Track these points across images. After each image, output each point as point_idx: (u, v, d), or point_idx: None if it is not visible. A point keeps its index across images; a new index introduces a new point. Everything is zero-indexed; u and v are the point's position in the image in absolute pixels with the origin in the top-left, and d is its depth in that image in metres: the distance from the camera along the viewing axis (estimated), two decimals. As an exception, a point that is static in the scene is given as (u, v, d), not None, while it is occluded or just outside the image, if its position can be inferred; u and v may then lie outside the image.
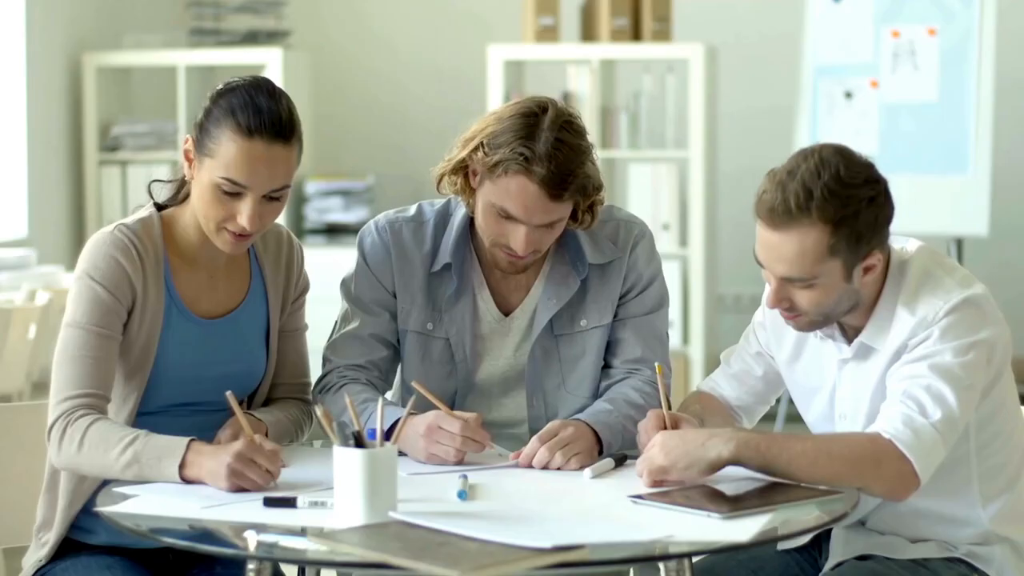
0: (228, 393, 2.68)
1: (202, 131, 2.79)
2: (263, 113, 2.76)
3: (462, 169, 2.98)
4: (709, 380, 3.07)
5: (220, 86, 2.82)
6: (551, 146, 2.89)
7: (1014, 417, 2.84)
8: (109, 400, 2.80)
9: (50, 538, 2.85)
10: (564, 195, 2.92)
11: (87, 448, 2.72)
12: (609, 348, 3.11)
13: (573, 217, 3.00)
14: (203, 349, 2.87)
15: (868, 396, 2.79)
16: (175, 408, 2.86)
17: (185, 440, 2.69)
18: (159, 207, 2.91)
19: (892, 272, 2.78)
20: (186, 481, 2.66)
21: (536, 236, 2.96)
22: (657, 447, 2.64)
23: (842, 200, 2.66)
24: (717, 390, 3.04)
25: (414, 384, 2.82)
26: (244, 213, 2.77)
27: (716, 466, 2.62)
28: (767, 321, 2.97)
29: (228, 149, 2.75)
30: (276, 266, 2.98)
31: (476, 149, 2.93)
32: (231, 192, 2.76)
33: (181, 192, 2.91)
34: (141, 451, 2.68)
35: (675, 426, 2.77)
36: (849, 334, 2.83)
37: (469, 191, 3.00)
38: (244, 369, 2.93)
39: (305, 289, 3.05)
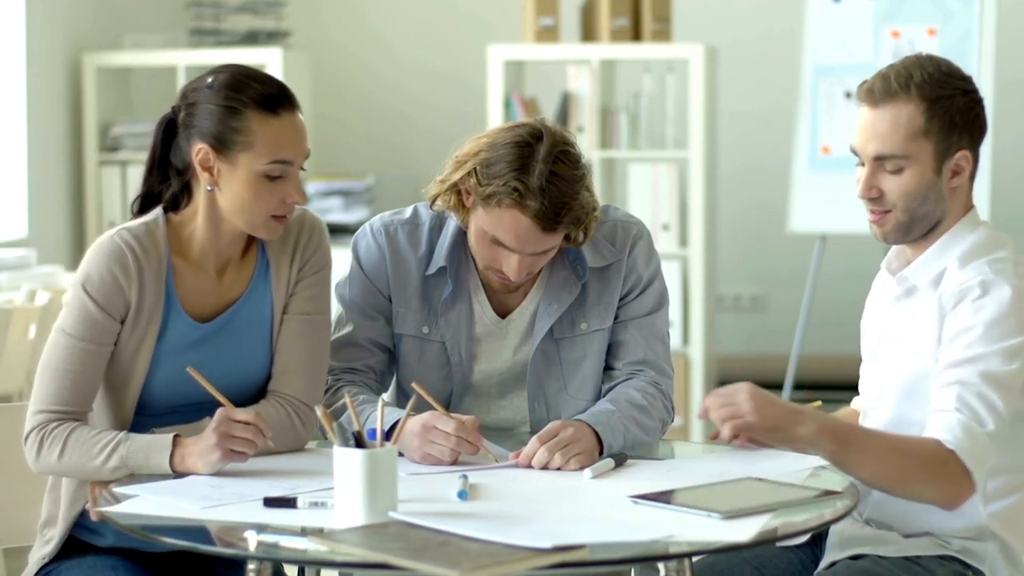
0: (189, 368, 2.72)
1: (220, 133, 2.76)
2: (270, 85, 2.80)
3: (455, 189, 2.97)
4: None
5: (203, 85, 2.80)
6: (545, 179, 2.87)
7: None
8: (88, 411, 2.81)
9: (54, 535, 2.85)
10: (558, 228, 2.91)
11: (68, 456, 2.75)
12: (611, 350, 3.11)
13: (566, 238, 3.00)
14: (202, 349, 2.85)
15: (904, 336, 2.83)
16: (180, 408, 2.85)
17: (170, 435, 2.72)
18: (165, 209, 2.86)
19: (967, 221, 2.83)
20: (177, 473, 2.69)
21: (529, 262, 2.95)
22: (745, 397, 2.64)
23: (940, 83, 2.79)
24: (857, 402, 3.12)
25: (413, 385, 2.81)
26: (294, 188, 2.79)
27: (797, 441, 2.65)
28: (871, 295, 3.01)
29: (264, 132, 2.76)
30: (283, 251, 2.92)
31: (469, 174, 2.92)
32: (277, 175, 2.77)
33: (183, 200, 2.85)
34: (127, 455, 2.72)
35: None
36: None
37: (463, 210, 2.99)
38: (244, 366, 2.89)
39: (319, 267, 2.94)
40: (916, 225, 2.82)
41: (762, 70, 7.89)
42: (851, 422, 3.00)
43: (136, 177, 7.79)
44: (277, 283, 2.91)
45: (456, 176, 2.95)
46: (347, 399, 2.60)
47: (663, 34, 7.12)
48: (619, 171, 7.47)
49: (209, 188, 2.80)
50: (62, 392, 2.78)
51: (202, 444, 2.69)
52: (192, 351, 2.84)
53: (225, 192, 2.79)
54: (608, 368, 3.11)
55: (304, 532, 2.39)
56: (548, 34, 7.17)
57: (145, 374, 2.82)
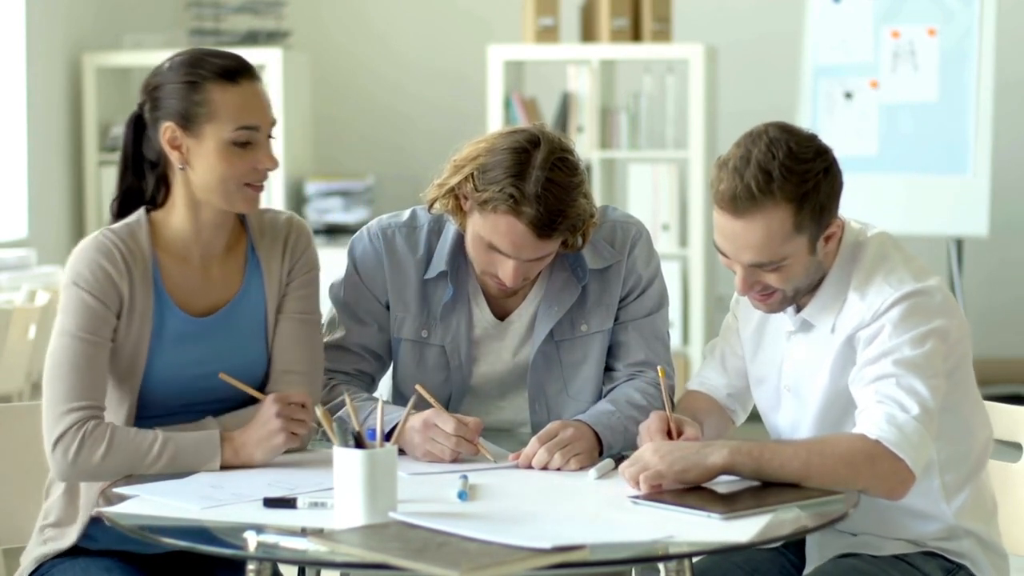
0: (221, 374, 2.75)
1: (184, 109, 2.78)
2: (227, 58, 2.82)
3: (452, 194, 2.97)
4: (697, 375, 3.06)
5: (162, 70, 2.83)
6: (541, 186, 2.86)
7: (975, 410, 2.85)
8: (104, 408, 2.79)
9: (66, 536, 2.82)
10: (554, 234, 2.90)
11: (113, 456, 2.72)
12: (611, 351, 3.10)
13: (564, 244, 2.99)
14: (198, 347, 2.84)
15: (811, 371, 2.80)
16: (179, 410, 2.84)
17: (215, 431, 2.75)
18: (147, 209, 2.88)
19: (844, 251, 2.80)
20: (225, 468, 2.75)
21: (525, 268, 2.95)
22: (650, 452, 2.64)
23: (800, 176, 2.68)
24: (706, 383, 3.03)
25: (417, 387, 2.81)
26: (264, 154, 2.81)
27: (712, 471, 2.62)
28: (741, 297, 2.97)
29: (225, 101, 2.78)
30: (272, 251, 2.93)
31: (466, 179, 2.92)
32: (245, 142, 2.79)
33: (160, 194, 2.87)
34: (177, 455, 2.73)
35: (678, 429, 2.77)
36: (800, 306, 2.84)
37: (461, 213, 2.98)
38: (243, 363, 2.88)
39: (309, 270, 2.95)
40: (801, 294, 2.80)
41: (762, 70, 7.89)
42: (703, 407, 2.99)
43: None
44: (269, 281, 2.91)
45: (453, 181, 2.94)
46: (346, 398, 2.60)
47: (663, 34, 7.12)
48: (619, 171, 7.47)
49: (181, 167, 2.82)
50: (77, 389, 2.75)
51: (261, 432, 2.74)
52: (190, 346, 2.83)
53: (197, 168, 2.81)
54: (608, 369, 3.11)
55: (304, 532, 2.40)
56: (548, 34, 7.17)
57: (144, 369, 2.81)
